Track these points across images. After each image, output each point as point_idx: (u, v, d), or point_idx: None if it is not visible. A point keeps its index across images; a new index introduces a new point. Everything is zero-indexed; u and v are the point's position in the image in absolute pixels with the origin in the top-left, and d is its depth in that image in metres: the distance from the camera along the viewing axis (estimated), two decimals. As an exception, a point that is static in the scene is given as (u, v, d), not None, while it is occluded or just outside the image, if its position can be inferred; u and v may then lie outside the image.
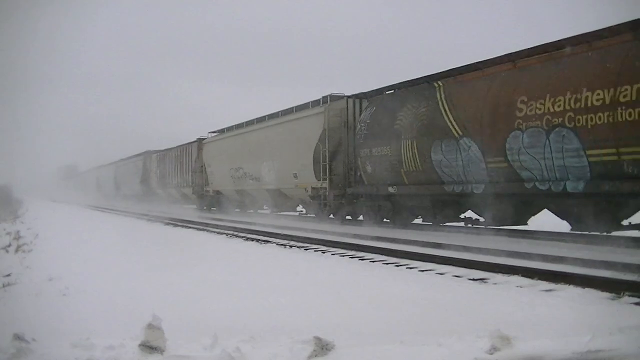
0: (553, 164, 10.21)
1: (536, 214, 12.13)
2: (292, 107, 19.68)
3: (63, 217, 26.23)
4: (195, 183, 27.32)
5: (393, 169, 14.23)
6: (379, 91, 15.77)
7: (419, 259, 9.02)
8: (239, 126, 23.86)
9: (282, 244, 12.17)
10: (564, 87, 9.95)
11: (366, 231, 13.78)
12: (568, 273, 7.02)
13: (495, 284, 7.03)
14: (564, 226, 11.19)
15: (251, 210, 24.05)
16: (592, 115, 9.40)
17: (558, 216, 11.23)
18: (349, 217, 17.45)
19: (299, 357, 3.88)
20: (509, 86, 11.21)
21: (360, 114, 16.30)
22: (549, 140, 10.17)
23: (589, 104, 9.45)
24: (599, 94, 9.33)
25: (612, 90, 9.11)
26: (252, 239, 13.46)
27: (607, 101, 9.16)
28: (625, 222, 10.05)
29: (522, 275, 7.26)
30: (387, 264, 9.00)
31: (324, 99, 17.55)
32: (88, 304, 5.90)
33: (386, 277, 7.55)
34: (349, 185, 16.56)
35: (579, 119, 9.63)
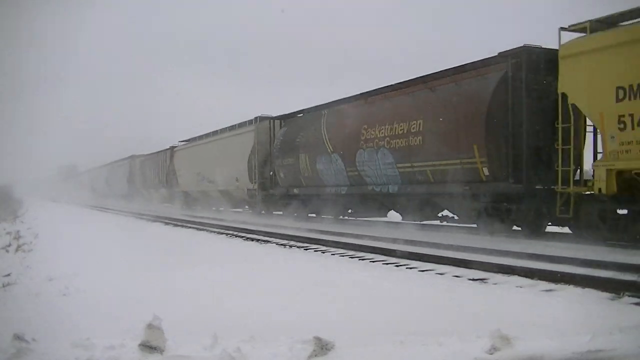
0: (381, 173, 15.00)
1: (380, 209, 16.95)
2: (235, 125, 24.46)
3: (63, 216, 26.25)
4: (168, 184, 32.09)
5: (296, 175, 19.13)
6: (292, 115, 20.52)
7: (418, 259, 9.03)
8: (200, 137, 28.62)
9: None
10: (386, 119, 14.64)
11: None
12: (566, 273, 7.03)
13: (495, 284, 7.04)
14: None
15: (214, 208, 28.14)
16: (398, 140, 14.10)
17: (394, 210, 16.54)
18: (277, 212, 22.26)
19: (299, 357, 3.88)
20: (359, 117, 15.88)
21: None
22: (377, 157, 14.90)
23: (397, 133, 14.17)
24: (401, 126, 14.01)
25: (407, 123, 13.82)
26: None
27: (405, 131, 13.85)
28: (440, 214, 14.43)
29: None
30: (387, 263, 9.00)
31: (255, 119, 22.35)
32: (88, 304, 5.90)
33: (386, 276, 7.55)
34: (272, 187, 21.24)
35: (392, 142, 14.35)
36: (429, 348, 3.98)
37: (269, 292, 6.26)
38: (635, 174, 9.20)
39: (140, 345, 3.97)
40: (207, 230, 16.60)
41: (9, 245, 12.88)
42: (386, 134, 14.47)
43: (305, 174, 18.40)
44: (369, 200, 16.62)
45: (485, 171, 11.72)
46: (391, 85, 15.27)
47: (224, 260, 9.43)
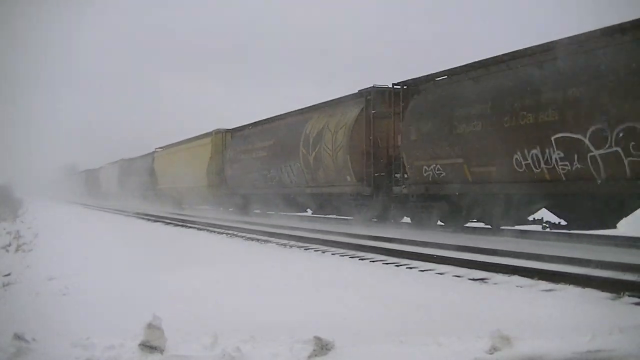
0: (295, 179, 18.98)
1: (297, 206, 20.56)
2: (199, 135, 28.76)
3: (62, 216, 26.24)
4: (150, 183, 36.71)
5: (239, 179, 23.46)
6: (241, 128, 24.64)
7: (418, 259, 9.03)
8: (172, 145, 33.49)
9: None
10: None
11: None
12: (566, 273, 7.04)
13: (496, 283, 7.04)
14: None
15: (185, 205, 31.59)
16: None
17: (308, 207, 20.60)
18: (231, 209, 26.39)
19: (299, 356, 3.88)
20: (275, 134, 20.63)
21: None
22: (292, 168, 18.89)
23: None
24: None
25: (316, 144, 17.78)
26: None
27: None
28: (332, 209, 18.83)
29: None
30: (387, 263, 9.00)
31: (212, 132, 26.48)
32: (88, 304, 5.90)
33: (386, 276, 7.55)
34: (224, 188, 25.15)
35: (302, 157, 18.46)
36: (429, 348, 3.98)
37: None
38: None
39: (140, 345, 3.97)
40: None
41: (9, 245, 12.89)
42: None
43: (245, 178, 22.87)
44: (288, 199, 20.63)
45: (349, 178, 16.30)
46: (285, 113, 20.81)
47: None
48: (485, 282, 7.13)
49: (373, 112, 15.48)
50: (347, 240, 11.70)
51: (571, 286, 6.54)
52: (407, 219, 15.65)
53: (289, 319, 4.90)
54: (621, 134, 8.77)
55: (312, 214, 21.08)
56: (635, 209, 10.17)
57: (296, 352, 3.92)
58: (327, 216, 19.71)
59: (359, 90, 16.17)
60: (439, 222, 13.90)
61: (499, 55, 11.72)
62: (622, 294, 5.99)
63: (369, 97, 15.68)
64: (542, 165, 10.19)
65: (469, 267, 8.00)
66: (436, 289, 6.38)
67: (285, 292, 6.23)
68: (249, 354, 3.89)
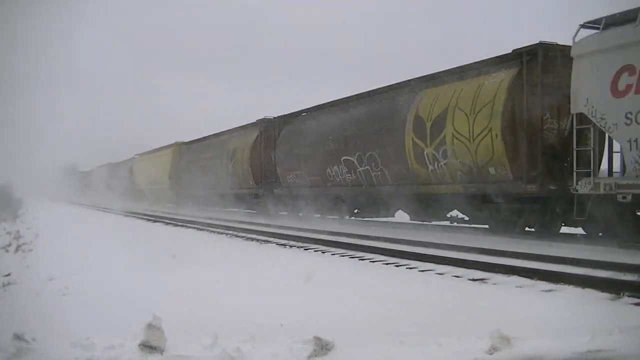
0: (234, 182, 24.07)
1: (228, 202, 25.79)
2: (164, 146, 35.27)
3: (61, 216, 26.25)
4: (130, 184, 43.26)
5: (190, 183, 29.49)
6: (191, 142, 31.77)
7: (418, 259, 9.03)
8: (146, 152, 39.75)
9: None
10: (224, 153, 25.48)
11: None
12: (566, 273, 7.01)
13: (495, 284, 7.04)
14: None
15: (155, 203, 37.22)
16: (236, 166, 23.78)
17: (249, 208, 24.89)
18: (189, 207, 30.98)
19: (299, 356, 3.88)
20: (221, 147, 25.82)
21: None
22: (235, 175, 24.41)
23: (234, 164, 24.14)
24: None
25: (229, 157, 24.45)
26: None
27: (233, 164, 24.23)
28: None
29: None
30: (387, 264, 9.00)
31: (172, 144, 33.61)
32: (88, 304, 5.90)
33: (386, 277, 7.55)
34: (182, 190, 31.48)
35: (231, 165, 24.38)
36: (429, 348, 3.98)
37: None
38: None
39: (140, 345, 3.97)
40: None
41: (9, 245, 12.88)
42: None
43: (193, 182, 28.65)
44: (222, 198, 26.10)
45: (251, 183, 22.65)
46: (218, 132, 27.73)
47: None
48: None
49: (264, 136, 21.87)
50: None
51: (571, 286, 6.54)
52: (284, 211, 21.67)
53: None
54: (368, 158, 15.55)
55: (232, 208, 27.08)
56: (397, 206, 15.88)
57: (296, 352, 3.92)
58: (240, 210, 26.01)
59: (257, 120, 22.65)
60: (299, 214, 20.15)
61: (327, 102, 18.90)
62: (622, 294, 5.99)
63: (262, 125, 22.13)
64: (340, 176, 17.08)
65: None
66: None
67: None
68: (249, 354, 3.89)
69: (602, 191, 9.37)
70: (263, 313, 5.29)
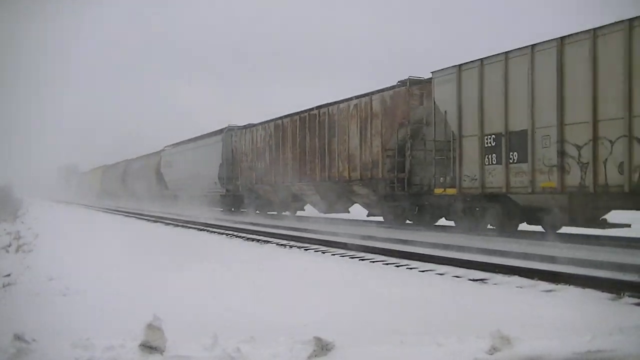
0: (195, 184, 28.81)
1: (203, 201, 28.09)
2: (154, 152, 38.25)
3: (61, 216, 26.25)
4: (123, 184, 46.32)
5: (173, 184, 33.21)
6: (170, 148, 34.48)
7: (418, 259, 9.03)
8: (138, 157, 42.89)
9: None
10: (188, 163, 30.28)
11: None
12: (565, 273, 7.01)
13: (495, 284, 7.04)
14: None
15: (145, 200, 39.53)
16: (197, 173, 28.90)
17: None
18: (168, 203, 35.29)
19: (299, 357, 3.88)
20: (186, 157, 30.28)
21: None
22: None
23: (196, 169, 29.25)
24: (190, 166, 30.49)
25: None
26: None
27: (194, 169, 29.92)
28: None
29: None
30: (387, 264, 9.00)
31: (160, 150, 36.32)
32: (88, 304, 5.90)
33: (386, 277, 7.55)
34: (164, 189, 35.17)
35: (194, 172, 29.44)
36: (429, 348, 3.98)
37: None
38: None
39: (140, 345, 3.97)
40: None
41: (9, 245, 12.86)
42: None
43: (175, 183, 32.72)
44: (195, 197, 28.68)
45: (222, 189, 26.26)
46: (195, 137, 30.17)
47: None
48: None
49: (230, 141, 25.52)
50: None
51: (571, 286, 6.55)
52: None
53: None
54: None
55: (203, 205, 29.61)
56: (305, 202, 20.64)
57: (296, 352, 3.92)
58: (211, 208, 27.92)
59: (219, 129, 26.20)
60: (256, 211, 23.73)
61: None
62: (622, 294, 5.99)
63: (225, 134, 25.46)
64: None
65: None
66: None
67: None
68: (249, 355, 3.89)
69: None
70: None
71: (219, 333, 4.11)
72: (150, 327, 4.02)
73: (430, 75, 13.28)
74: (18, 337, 3.97)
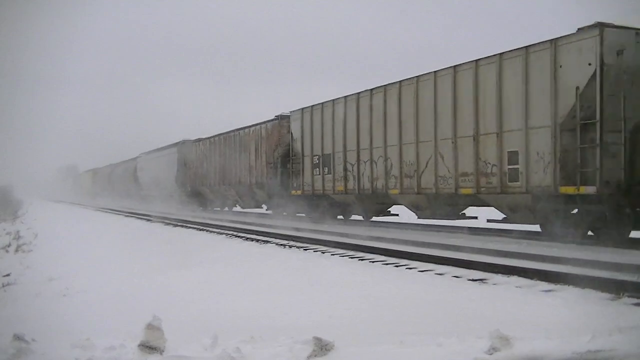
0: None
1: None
2: (131, 158, 42.06)
3: (61, 216, 26.26)
4: (108, 185, 51.18)
5: (144, 185, 37.47)
6: (148, 152, 37.46)
7: (418, 259, 9.03)
8: (123, 161, 45.97)
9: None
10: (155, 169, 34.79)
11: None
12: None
13: (495, 284, 7.04)
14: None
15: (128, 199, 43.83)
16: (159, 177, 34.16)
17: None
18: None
19: (298, 357, 3.88)
20: (149, 163, 36.13)
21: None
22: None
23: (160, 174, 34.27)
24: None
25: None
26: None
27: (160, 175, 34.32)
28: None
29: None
30: (387, 264, 8.99)
31: (135, 157, 40.51)
32: (88, 304, 5.90)
33: (386, 277, 7.54)
34: (140, 190, 39.53)
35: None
36: (429, 348, 3.98)
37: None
38: None
39: (140, 345, 3.97)
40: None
41: (9, 245, 12.88)
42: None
43: (145, 185, 37.14)
44: (163, 197, 32.92)
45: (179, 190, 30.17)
46: (160, 148, 33.93)
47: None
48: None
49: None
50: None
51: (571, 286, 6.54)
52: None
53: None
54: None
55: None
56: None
57: (296, 352, 3.92)
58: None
59: (175, 142, 30.73)
60: (200, 207, 28.92)
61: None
62: (621, 294, 5.98)
63: (180, 146, 29.85)
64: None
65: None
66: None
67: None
68: (249, 355, 3.89)
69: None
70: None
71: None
72: (149, 327, 4.02)
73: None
74: (18, 337, 3.97)
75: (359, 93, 15.14)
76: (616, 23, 9.37)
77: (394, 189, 13.82)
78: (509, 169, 10.66)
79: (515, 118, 10.53)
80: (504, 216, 11.45)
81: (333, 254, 10.21)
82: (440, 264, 8.48)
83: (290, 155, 18.60)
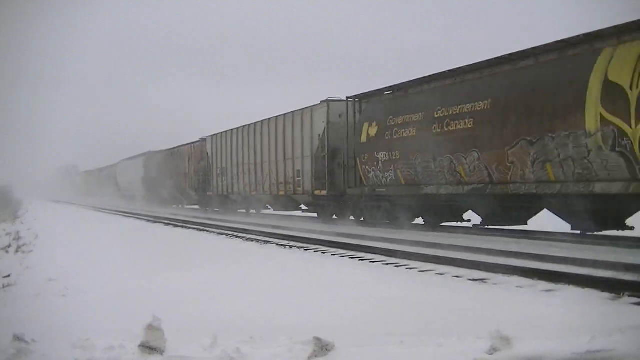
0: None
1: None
2: (113, 164, 49.13)
3: (61, 216, 26.26)
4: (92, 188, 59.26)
5: (122, 187, 46.96)
6: (129, 159, 43.32)
7: (417, 259, 9.02)
8: (114, 164, 50.26)
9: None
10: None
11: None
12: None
13: (495, 284, 7.03)
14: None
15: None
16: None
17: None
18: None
19: (298, 357, 3.87)
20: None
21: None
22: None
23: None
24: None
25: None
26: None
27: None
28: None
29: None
30: (387, 264, 8.99)
31: (116, 163, 47.07)
32: (88, 305, 5.90)
33: (385, 277, 7.54)
34: (120, 190, 47.71)
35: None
36: (429, 348, 3.97)
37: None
38: None
39: (140, 345, 3.97)
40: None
41: (9, 246, 12.88)
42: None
43: (122, 188, 44.36)
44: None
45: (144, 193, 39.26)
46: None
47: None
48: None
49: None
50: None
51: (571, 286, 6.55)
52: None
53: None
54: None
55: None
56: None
57: (296, 352, 3.92)
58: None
59: (142, 153, 38.17)
60: (160, 205, 35.85)
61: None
62: (621, 294, 5.98)
63: (145, 156, 37.25)
64: None
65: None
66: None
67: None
68: (249, 355, 3.89)
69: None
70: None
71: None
72: (150, 327, 4.01)
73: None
74: (18, 338, 3.97)
75: (240, 128, 23.01)
76: (347, 95, 16.26)
77: (253, 191, 21.62)
78: (297, 180, 18.22)
79: (297, 150, 18.19)
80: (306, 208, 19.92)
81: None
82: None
83: (206, 167, 27.04)
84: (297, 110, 18.23)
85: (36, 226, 18.83)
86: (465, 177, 11.89)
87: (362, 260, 9.51)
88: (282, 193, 19.39)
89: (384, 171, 14.32)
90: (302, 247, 11.37)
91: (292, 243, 12.10)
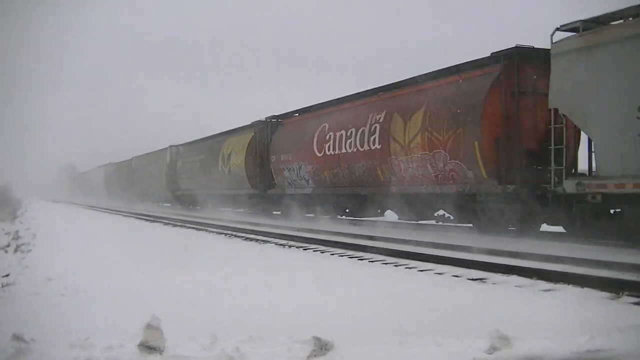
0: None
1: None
2: (102, 165, 56.27)
3: (60, 215, 26.24)
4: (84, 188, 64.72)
5: (109, 188, 55.43)
6: (119, 163, 50.18)
7: (417, 259, 9.03)
8: (105, 165, 56.29)
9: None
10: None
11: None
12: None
13: (494, 283, 7.04)
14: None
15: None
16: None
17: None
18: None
19: (297, 357, 3.87)
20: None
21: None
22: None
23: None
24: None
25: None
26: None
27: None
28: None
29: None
30: (386, 263, 9.00)
31: (131, 158, 45.84)
32: (87, 304, 5.89)
33: (385, 276, 7.55)
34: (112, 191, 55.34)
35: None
36: (428, 348, 3.97)
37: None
38: None
39: (139, 345, 3.97)
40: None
41: (8, 245, 12.87)
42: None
43: (109, 188, 52.07)
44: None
45: (129, 194, 46.68)
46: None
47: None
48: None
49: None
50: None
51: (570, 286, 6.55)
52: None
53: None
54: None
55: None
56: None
57: (295, 352, 3.92)
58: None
59: (130, 159, 44.73)
60: (141, 202, 42.88)
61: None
62: (621, 294, 5.99)
63: (132, 160, 43.97)
64: None
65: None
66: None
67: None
68: (248, 354, 3.89)
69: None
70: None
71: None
72: (149, 327, 4.01)
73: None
74: (17, 337, 3.97)
75: (189, 142, 32.36)
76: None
77: (206, 190, 28.20)
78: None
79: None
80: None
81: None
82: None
83: (171, 171, 33.83)
84: (160, 150, 33.02)
85: (35, 225, 18.81)
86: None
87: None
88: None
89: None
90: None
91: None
